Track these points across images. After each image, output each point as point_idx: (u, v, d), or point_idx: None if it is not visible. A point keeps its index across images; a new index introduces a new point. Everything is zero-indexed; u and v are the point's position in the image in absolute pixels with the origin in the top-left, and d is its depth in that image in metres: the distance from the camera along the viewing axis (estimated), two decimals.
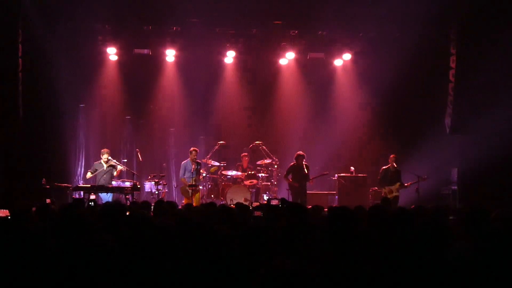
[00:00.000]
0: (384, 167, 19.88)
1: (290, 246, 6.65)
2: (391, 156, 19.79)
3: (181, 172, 20.52)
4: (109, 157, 19.58)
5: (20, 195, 17.45)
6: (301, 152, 19.96)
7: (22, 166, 19.13)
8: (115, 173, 19.61)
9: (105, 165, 19.51)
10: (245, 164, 21.47)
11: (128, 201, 18.05)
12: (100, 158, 19.66)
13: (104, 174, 19.44)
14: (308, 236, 7.00)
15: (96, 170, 19.47)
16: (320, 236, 7.31)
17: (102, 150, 19.76)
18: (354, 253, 6.82)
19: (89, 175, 19.54)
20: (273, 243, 6.60)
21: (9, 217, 8.56)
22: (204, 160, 21.00)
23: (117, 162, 19.82)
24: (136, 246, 6.46)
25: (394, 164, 19.67)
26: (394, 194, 19.45)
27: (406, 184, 19.46)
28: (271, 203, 12.16)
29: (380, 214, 9.37)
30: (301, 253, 6.54)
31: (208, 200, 20.19)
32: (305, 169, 19.63)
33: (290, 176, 19.80)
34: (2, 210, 8.71)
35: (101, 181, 19.27)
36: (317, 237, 7.19)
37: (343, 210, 9.67)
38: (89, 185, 18.94)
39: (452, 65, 20.42)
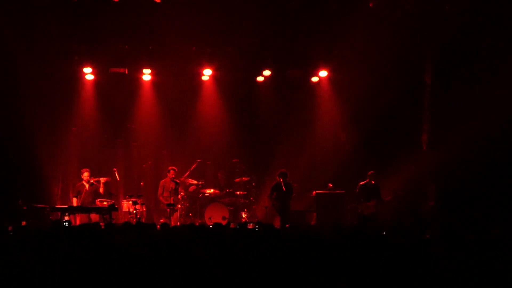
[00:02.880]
0: (361, 183, 20.03)
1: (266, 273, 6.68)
2: (370, 172, 19.93)
3: (160, 191, 20.62)
4: (90, 176, 19.61)
5: None
6: (283, 169, 20.06)
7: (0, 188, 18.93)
8: (100, 190, 19.63)
9: (87, 185, 19.53)
10: (222, 182, 21.41)
11: (105, 221, 18.00)
12: (81, 179, 19.64)
13: (88, 194, 19.47)
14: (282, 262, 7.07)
15: (80, 192, 19.44)
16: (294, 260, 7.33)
17: (82, 170, 19.78)
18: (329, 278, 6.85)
19: (75, 201, 19.46)
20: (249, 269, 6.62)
21: None
22: (182, 179, 21.01)
23: (98, 179, 19.76)
24: (111, 275, 6.46)
25: (372, 180, 19.81)
26: (371, 210, 19.57)
27: (385, 200, 19.56)
28: (248, 227, 12.10)
29: (357, 237, 9.38)
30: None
31: (187, 219, 20.39)
32: (287, 187, 19.78)
33: (273, 195, 19.89)
34: None
35: (85, 202, 19.26)
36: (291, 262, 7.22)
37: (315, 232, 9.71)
38: (67, 206, 18.90)
39: (428, 81, 20.50)
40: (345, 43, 20.98)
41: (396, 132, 21.59)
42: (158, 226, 13.22)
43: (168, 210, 19.97)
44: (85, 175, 19.67)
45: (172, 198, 20.29)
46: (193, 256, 7.34)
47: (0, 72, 19.42)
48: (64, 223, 14.02)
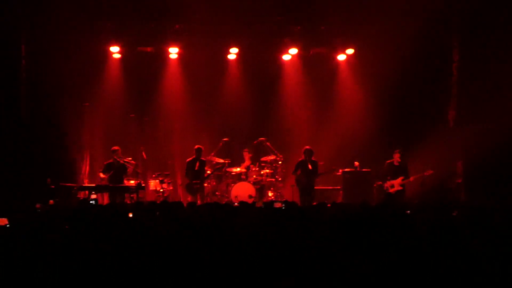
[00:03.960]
0: (388, 161, 19.92)
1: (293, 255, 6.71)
2: (396, 151, 19.82)
3: (186, 169, 20.60)
4: (120, 155, 19.75)
5: (25, 196, 17.58)
6: (308, 147, 20.06)
7: (26, 166, 19.11)
8: (128, 170, 19.80)
9: (116, 163, 19.66)
10: (248, 161, 21.40)
11: (132, 200, 18.12)
12: (111, 158, 19.79)
13: (116, 173, 19.57)
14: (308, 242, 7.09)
15: (109, 169, 19.59)
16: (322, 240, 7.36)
17: (113, 148, 19.87)
18: (355, 254, 6.85)
19: (102, 175, 19.60)
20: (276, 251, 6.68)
21: (7, 226, 8.41)
22: (208, 158, 21.00)
23: (128, 160, 19.95)
24: (137, 255, 6.56)
25: (399, 159, 19.73)
26: (397, 188, 19.50)
27: (410, 178, 19.47)
28: (275, 206, 12.08)
29: (384, 213, 9.35)
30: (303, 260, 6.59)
31: (213, 198, 20.41)
32: (313, 165, 19.78)
33: (298, 172, 19.88)
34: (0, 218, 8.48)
35: (113, 180, 19.42)
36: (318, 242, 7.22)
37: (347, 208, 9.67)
38: (94, 185, 19.08)
39: (455, 58, 20.33)
40: (371, 20, 20.78)
41: (423, 109, 21.50)
42: (185, 205, 13.29)
43: (195, 188, 20.09)
44: (116, 154, 19.78)
45: (198, 176, 20.32)
46: (218, 235, 7.47)
47: (28, 51, 19.46)
48: (91, 201, 14.07)
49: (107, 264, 6.36)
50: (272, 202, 13.34)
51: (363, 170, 21.00)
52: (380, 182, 20.43)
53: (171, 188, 20.77)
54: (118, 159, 19.68)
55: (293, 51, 22.42)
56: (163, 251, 6.76)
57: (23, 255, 6.41)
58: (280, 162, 21.26)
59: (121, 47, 21.84)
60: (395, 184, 19.56)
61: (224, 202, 17.70)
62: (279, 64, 23.14)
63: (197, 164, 20.40)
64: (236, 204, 16.45)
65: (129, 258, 6.55)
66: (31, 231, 7.72)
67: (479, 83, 19.78)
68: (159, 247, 6.87)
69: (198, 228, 8.13)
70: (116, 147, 19.89)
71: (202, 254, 6.64)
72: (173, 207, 11.61)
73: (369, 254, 6.80)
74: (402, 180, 19.52)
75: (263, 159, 21.42)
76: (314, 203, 15.46)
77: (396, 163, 19.77)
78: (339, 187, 21.24)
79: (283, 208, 11.83)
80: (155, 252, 6.73)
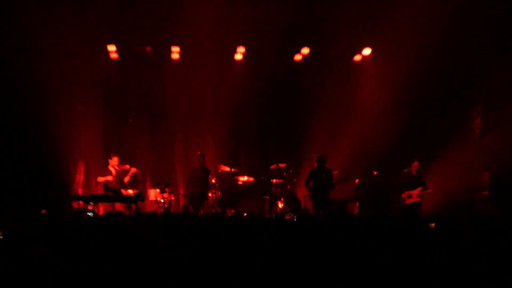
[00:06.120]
0: (405, 170, 19.33)
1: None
2: (414, 159, 19.25)
3: (189, 178, 20.00)
4: (119, 163, 19.33)
5: (17, 205, 16.70)
6: (321, 154, 19.36)
7: (18, 174, 18.29)
8: (125, 179, 19.23)
9: (114, 171, 19.21)
10: (241, 158, 21.35)
11: (131, 211, 17.47)
12: (108, 164, 19.35)
13: (114, 181, 19.01)
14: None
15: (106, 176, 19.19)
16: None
17: (112, 155, 19.40)
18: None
19: (100, 179, 19.12)
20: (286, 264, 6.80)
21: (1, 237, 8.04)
22: (214, 166, 20.58)
23: (126, 168, 19.41)
24: (136, 269, 6.63)
25: (416, 168, 19.14)
26: (415, 199, 18.85)
27: (429, 190, 18.89)
28: (286, 218, 11.42)
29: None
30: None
31: (218, 208, 19.73)
32: (326, 174, 19.03)
33: (311, 183, 19.04)
34: None
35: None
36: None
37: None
38: (89, 195, 18.23)
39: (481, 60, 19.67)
40: (390, 16, 19.71)
41: (446, 116, 20.86)
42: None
43: (198, 198, 19.41)
44: (114, 160, 19.33)
45: (201, 186, 19.58)
46: (223, 248, 7.51)
47: (21, 52, 18.82)
48: (89, 214, 13.41)
49: (104, 277, 6.51)
50: (283, 213, 12.71)
51: (381, 180, 20.49)
52: (398, 194, 19.70)
53: (172, 198, 19.95)
54: (115, 168, 19.18)
55: (305, 50, 21.76)
56: (164, 265, 6.86)
57: (17, 265, 6.48)
58: (290, 171, 20.84)
59: (118, 47, 21.26)
60: (413, 195, 18.94)
61: (230, 214, 17.45)
62: (290, 64, 22.36)
63: (200, 172, 19.73)
64: (244, 215, 15.68)
65: (127, 272, 6.67)
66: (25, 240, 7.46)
67: (506, 89, 19.26)
68: (160, 261, 6.93)
69: (201, 241, 8.04)
70: (114, 154, 19.40)
71: (206, 268, 6.77)
72: (175, 219, 10.77)
73: (386, 268, 6.95)
74: (421, 191, 18.88)
75: (272, 167, 20.80)
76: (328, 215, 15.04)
77: (414, 173, 19.17)
78: (355, 198, 20.47)
79: (295, 220, 11.29)
80: (155, 266, 6.83)
